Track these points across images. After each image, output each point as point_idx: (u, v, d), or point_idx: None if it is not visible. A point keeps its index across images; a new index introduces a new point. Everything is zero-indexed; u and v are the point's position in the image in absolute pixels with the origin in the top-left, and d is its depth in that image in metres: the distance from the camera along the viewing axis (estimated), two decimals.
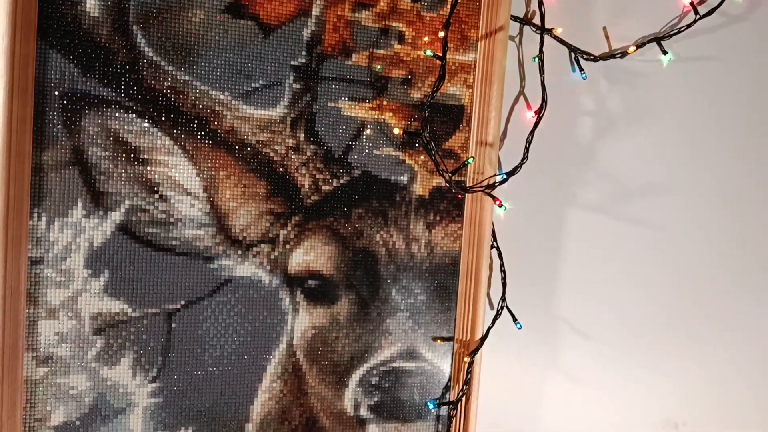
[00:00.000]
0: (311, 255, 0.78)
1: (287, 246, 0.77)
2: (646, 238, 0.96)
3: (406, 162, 0.81)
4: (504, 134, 0.87)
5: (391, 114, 0.80)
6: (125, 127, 0.71)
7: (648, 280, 0.97)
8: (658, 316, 0.98)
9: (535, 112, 0.84)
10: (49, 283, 0.70)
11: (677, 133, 0.96)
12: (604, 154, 0.92)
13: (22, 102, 0.66)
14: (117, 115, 0.70)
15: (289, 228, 0.77)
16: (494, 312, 0.86)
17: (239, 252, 0.76)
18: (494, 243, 0.86)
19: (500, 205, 0.82)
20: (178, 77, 0.72)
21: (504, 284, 0.86)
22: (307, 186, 0.78)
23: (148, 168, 0.72)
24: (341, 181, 0.79)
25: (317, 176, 0.78)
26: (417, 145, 0.80)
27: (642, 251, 0.96)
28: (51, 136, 0.68)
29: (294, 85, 0.76)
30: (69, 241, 0.70)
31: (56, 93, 0.68)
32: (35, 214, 0.69)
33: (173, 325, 0.74)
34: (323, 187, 0.78)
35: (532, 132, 0.83)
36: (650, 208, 0.95)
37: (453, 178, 0.81)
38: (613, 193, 0.93)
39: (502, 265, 0.86)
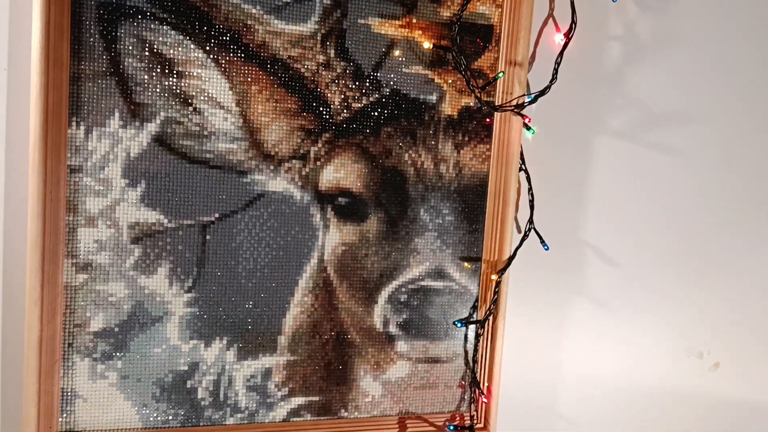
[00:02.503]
0: (341, 172, 0.79)
1: (318, 163, 0.78)
2: (673, 165, 0.95)
3: (435, 81, 0.81)
4: (533, 57, 0.87)
5: (420, 32, 0.80)
6: (160, 38, 0.72)
7: (674, 207, 0.97)
8: (683, 243, 0.98)
9: (564, 34, 0.83)
10: (88, 192, 0.71)
11: (706, 61, 0.95)
12: (632, 80, 0.92)
13: (59, 10, 0.67)
14: (152, 26, 0.71)
15: (319, 145, 0.78)
16: (521, 234, 0.87)
17: (271, 167, 0.77)
18: (522, 166, 0.86)
19: (529, 123, 0.82)
20: None
21: (532, 206, 0.86)
22: (337, 103, 0.78)
23: (183, 80, 0.73)
24: (371, 99, 0.79)
25: (347, 93, 0.78)
26: (446, 60, 0.81)
27: (669, 178, 0.96)
28: (88, 46, 0.69)
29: (324, 1, 0.76)
30: (107, 151, 0.71)
31: (92, 2, 0.69)
32: (74, 123, 0.70)
33: (208, 237, 0.76)
34: (353, 105, 0.79)
35: (561, 54, 0.83)
36: (677, 136, 0.95)
37: (482, 95, 0.81)
38: (641, 119, 0.93)
39: (530, 188, 0.86)
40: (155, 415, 0.76)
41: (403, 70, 0.80)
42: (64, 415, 0.73)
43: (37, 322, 0.68)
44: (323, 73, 0.77)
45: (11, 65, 0.70)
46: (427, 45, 0.80)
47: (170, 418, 0.77)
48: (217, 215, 0.76)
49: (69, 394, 0.73)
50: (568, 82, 0.87)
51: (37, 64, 0.65)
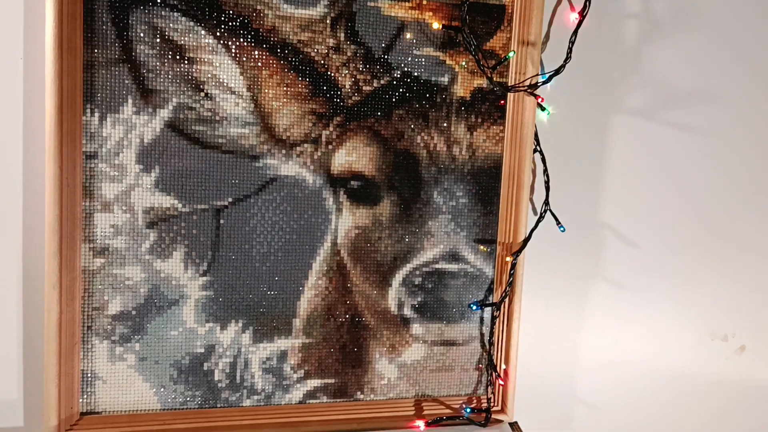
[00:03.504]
0: (353, 156, 0.79)
1: (330, 146, 0.79)
2: (692, 145, 0.93)
3: (447, 63, 0.81)
4: (547, 37, 0.86)
5: (430, 14, 0.80)
6: (171, 25, 0.72)
7: (694, 187, 0.95)
8: (704, 224, 0.96)
9: (579, 12, 0.82)
10: (104, 177, 0.73)
11: (725, 38, 0.93)
12: (649, 59, 0.90)
13: None
14: (163, 13, 0.72)
15: (331, 128, 0.78)
16: (537, 216, 0.86)
17: (283, 151, 0.77)
18: (537, 147, 0.85)
19: (542, 102, 0.81)
20: None
21: (547, 188, 0.85)
22: (348, 86, 0.78)
23: (194, 66, 0.74)
24: (382, 82, 0.79)
25: (358, 76, 0.78)
26: (457, 39, 0.80)
27: (688, 158, 0.94)
28: (101, 34, 0.71)
29: None
30: (121, 137, 0.72)
31: None
32: (88, 110, 0.71)
33: (221, 221, 0.76)
34: (364, 88, 0.79)
35: (575, 32, 0.82)
36: (696, 115, 0.93)
37: (494, 76, 0.81)
38: (658, 98, 0.91)
39: (545, 169, 0.85)
40: (173, 396, 0.78)
41: (414, 52, 0.80)
42: (85, 396, 0.75)
43: (56, 305, 0.70)
44: (334, 56, 0.77)
45: (26, 54, 0.71)
46: (436, 25, 0.79)
47: (188, 399, 0.78)
48: (230, 200, 0.76)
49: (89, 375, 0.75)
50: (583, 61, 0.86)
51: (51, 52, 0.67)
